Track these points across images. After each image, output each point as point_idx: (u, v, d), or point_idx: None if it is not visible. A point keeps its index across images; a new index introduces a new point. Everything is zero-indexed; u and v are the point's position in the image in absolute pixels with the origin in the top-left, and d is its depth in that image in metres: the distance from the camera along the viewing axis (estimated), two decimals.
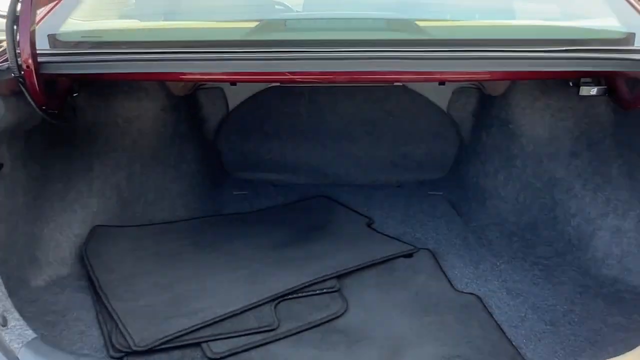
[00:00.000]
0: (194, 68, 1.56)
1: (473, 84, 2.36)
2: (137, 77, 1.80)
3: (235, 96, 2.50)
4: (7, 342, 1.08)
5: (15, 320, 1.14)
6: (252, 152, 2.61)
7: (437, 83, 2.35)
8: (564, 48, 1.47)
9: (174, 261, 1.87)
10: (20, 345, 1.10)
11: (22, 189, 1.73)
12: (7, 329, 1.11)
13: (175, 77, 1.71)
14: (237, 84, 2.37)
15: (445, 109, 2.51)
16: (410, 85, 2.42)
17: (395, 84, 2.38)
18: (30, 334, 1.14)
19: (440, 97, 2.48)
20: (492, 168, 2.28)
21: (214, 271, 1.80)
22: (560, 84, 1.99)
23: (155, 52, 1.54)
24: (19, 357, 1.06)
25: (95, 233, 1.94)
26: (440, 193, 2.48)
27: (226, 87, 2.44)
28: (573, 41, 1.58)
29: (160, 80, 2.05)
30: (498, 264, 1.92)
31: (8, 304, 1.15)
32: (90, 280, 1.76)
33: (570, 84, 1.72)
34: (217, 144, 2.59)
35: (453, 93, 2.45)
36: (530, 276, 1.84)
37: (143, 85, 2.08)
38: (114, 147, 2.06)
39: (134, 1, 2.08)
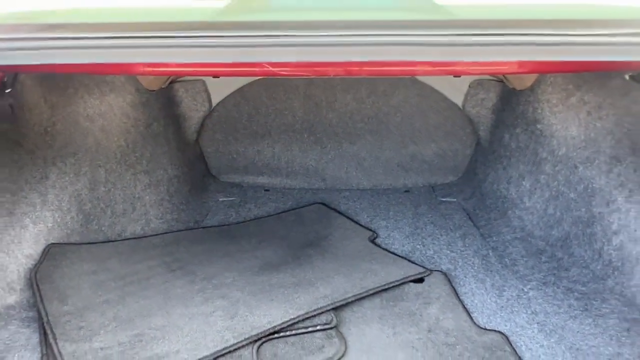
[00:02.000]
0: (150, 57, 1.24)
1: (494, 76, 2.04)
2: (80, 70, 1.49)
3: (219, 89, 2.19)
4: None
5: None
6: (239, 153, 2.31)
7: (451, 75, 2.03)
8: (620, 32, 1.16)
9: (140, 288, 1.58)
10: None
11: None
12: None
13: (125, 69, 1.40)
14: (220, 76, 2.06)
15: (460, 105, 2.20)
16: (420, 77, 2.11)
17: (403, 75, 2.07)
18: None
19: (455, 91, 2.16)
20: (516, 173, 1.97)
21: (186, 302, 1.51)
22: (597, 75, 1.68)
23: (102, 36, 1.23)
24: None
25: (49, 253, 1.64)
26: (454, 200, 2.18)
27: (208, 79, 2.13)
28: (626, 22, 1.26)
29: (110, 74, 1.73)
30: (525, 290, 1.62)
31: None
32: (38, 313, 1.47)
33: (626, 77, 1.40)
34: (199, 144, 2.28)
35: (470, 86, 2.13)
36: (565, 307, 1.54)
37: (107, 77, 1.77)
38: (74, 150, 1.76)
39: None
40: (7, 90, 1.36)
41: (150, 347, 1.32)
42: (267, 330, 1.37)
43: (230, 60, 1.16)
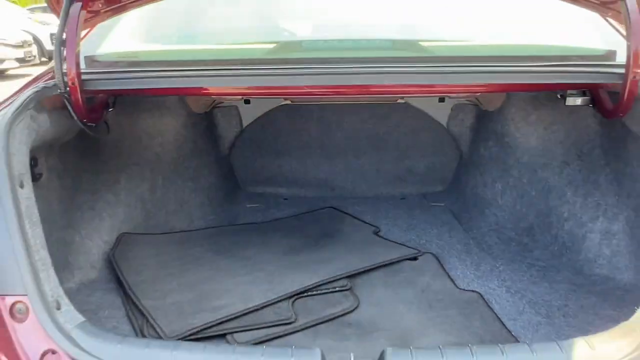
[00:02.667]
0: (215, 83, 1.73)
1: (470, 101, 2.53)
2: (165, 92, 1.96)
3: (249, 114, 2.67)
4: (62, 322, 1.22)
5: (66, 305, 1.28)
6: (264, 167, 2.77)
7: (437, 100, 2.52)
8: (552, 63, 1.64)
9: (195, 265, 2.01)
10: (72, 325, 1.23)
11: (56, 198, 1.87)
12: (61, 312, 1.25)
13: (197, 91, 1.88)
14: (251, 102, 2.54)
15: (445, 125, 2.68)
16: (412, 102, 2.59)
17: (398, 101, 2.55)
18: (79, 317, 1.28)
19: (440, 113, 2.64)
20: (490, 178, 2.43)
21: (233, 273, 1.94)
22: (550, 99, 2.16)
23: (181, 69, 1.71)
24: (72, 336, 1.20)
25: (122, 240, 2.08)
26: (442, 204, 2.63)
27: (240, 105, 2.61)
28: (561, 57, 1.76)
29: (185, 95, 2.21)
30: (497, 265, 2.06)
31: (60, 291, 1.28)
32: (119, 282, 1.89)
33: (558, 96, 1.88)
34: (231, 159, 2.75)
35: (452, 109, 2.62)
36: (527, 276, 1.97)
37: (165, 103, 2.25)
38: (138, 160, 2.22)
39: (160, 26, 2.27)
40: (109, 110, 1.83)
41: (210, 302, 1.75)
42: (298, 290, 1.80)
43: (277, 84, 1.64)
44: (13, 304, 1.20)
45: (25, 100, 1.41)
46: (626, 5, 1.47)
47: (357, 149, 2.76)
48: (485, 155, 2.47)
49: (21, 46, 11.61)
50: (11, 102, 1.45)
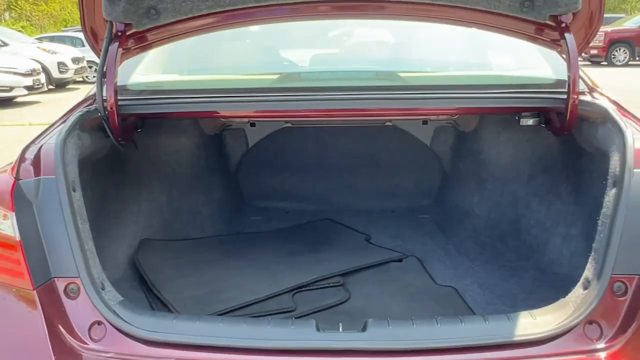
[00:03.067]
0: (226, 108, 2.06)
1: (449, 123, 2.85)
2: (184, 115, 2.28)
3: (254, 136, 2.99)
4: (106, 300, 1.50)
5: (108, 287, 1.56)
6: (267, 184, 3.08)
7: (421, 122, 2.84)
8: (509, 91, 1.97)
9: (207, 266, 2.30)
10: (114, 303, 1.52)
11: (88, 207, 2.17)
12: (105, 291, 1.53)
13: (211, 114, 2.21)
14: (256, 125, 2.86)
15: (429, 145, 3.00)
16: (399, 124, 2.91)
17: (387, 123, 2.87)
18: (119, 297, 1.56)
19: (424, 135, 2.96)
20: (469, 192, 2.73)
21: (241, 272, 2.23)
22: (518, 122, 2.48)
23: (198, 96, 2.04)
24: (115, 310, 1.48)
25: (144, 244, 2.37)
26: (428, 216, 2.92)
27: (247, 128, 2.93)
28: (517, 85, 2.08)
29: (200, 118, 2.53)
30: (472, 266, 2.35)
31: (104, 275, 1.57)
32: (141, 280, 2.18)
33: (517, 117, 2.20)
34: (238, 176, 3.06)
35: (434, 131, 2.94)
36: (498, 275, 2.26)
37: (182, 126, 2.56)
38: (157, 175, 2.53)
39: (179, 59, 2.61)
40: (138, 130, 2.15)
41: (221, 295, 2.03)
42: (297, 285, 2.09)
43: (280, 109, 1.96)
44: (67, 285, 1.49)
45: (74, 121, 1.72)
46: (567, 43, 1.79)
47: (351, 167, 3.07)
48: (464, 171, 2.78)
49: (30, 74, 12.02)
50: (62, 122, 1.76)
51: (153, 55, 2.32)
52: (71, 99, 12.79)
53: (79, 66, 15.50)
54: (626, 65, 20.61)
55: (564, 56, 1.89)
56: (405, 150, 3.01)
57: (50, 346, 1.40)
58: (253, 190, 3.07)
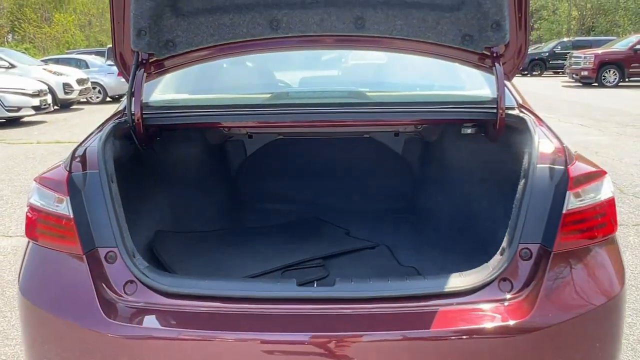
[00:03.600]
0: (228, 120, 2.54)
1: (417, 135, 3.34)
2: (196, 126, 2.76)
3: (252, 146, 3.47)
4: (137, 264, 1.95)
5: (138, 255, 2.01)
6: (262, 187, 3.55)
7: (393, 134, 3.32)
8: (453, 106, 2.45)
9: (212, 253, 2.75)
10: (143, 267, 1.97)
11: None
12: (135, 258, 1.98)
13: (216, 125, 2.71)
14: (253, 137, 3.34)
15: (400, 154, 3.48)
16: (375, 137, 3.40)
17: (365, 135, 3.36)
18: (145, 263, 2.01)
19: (397, 145, 3.44)
20: (434, 193, 3.21)
21: (240, 256, 2.69)
22: (471, 134, 2.96)
23: (206, 111, 2.52)
24: (143, 272, 1.93)
25: (159, 235, 2.83)
26: (402, 216, 3.39)
27: (245, 139, 3.41)
28: (459, 102, 2.57)
29: (207, 129, 3.01)
30: (433, 254, 2.80)
31: (134, 247, 2.02)
32: (158, 263, 2.63)
33: (460, 127, 2.69)
34: (237, 180, 3.53)
35: (405, 142, 3.42)
36: (454, 259, 2.72)
37: (191, 136, 3.04)
38: (170, 178, 3.00)
39: (192, 81, 3.11)
40: (157, 139, 2.63)
41: (224, 272, 2.49)
42: (286, 265, 2.55)
43: (272, 121, 2.45)
44: (107, 252, 1.94)
45: (110, 130, 2.20)
46: (496, 70, 2.28)
47: (335, 173, 3.54)
48: (430, 176, 3.25)
49: (37, 95, 12.52)
50: (100, 131, 2.24)
51: (169, 78, 2.81)
52: (76, 119, 13.32)
53: (84, 87, 16.05)
54: (616, 86, 21.21)
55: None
56: (381, 159, 3.48)
57: (95, 297, 1.85)
58: (250, 193, 3.54)
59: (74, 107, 16.44)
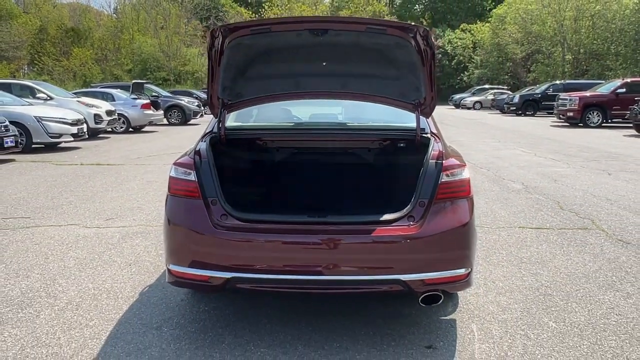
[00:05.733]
0: (269, 136, 4.13)
1: (381, 148, 4.85)
2: (251, 139, 4.34)
3: (279, 155, 4.93)
4: (226, 206, 3.43)
5: (227, 203, 3.49)
6: (285, 179, 5.05)
7: (367, 150, 4.83)
8: (395, 131, 4.03)
9: (262, 202, 4.26)
10: (229, 208, 3.43)
11: None
12: (225, 204, 3.43)
13: (262, 139, 4.28)
14: (279, 150, 4.85)
15: (372, 162, 4.99)
16: (355, 151, 4.86)
17: (349, 151, 4.87)
18: (229, 206, 3.48)
19: (370, 157, 4.94)
20: (386, 178, 4.69)
21: (279, 202, 4.20)
22: (403, 146, 4.44)
23: (257, 132, 4.10)
24: (230, 210, 3.40)
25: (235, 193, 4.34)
26: (368, 192, 4.81)
27: (274, 151, 4.90)
28: (396, 129, 4.13)
29: (257, 141, 4.53)
30: (378, 206, 4.30)
31: (223, 197, 3.50)
32: (236, 205, 4.13)
33: (398, 144, 4.23)
34: (272, 172, 5.06)
35: (374, 154, 4.90)
36: (390, 209, 4.22)
37: (248, 145, 4.52)
38: (237, 165, 4.49)
39: (250, 116, 4.70)
40: (231, 145, 4.19)
41: (271, 209, 4.00)
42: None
43: (291, 137, 4.05)
44: (212, 200, 3.36)
45: (209, 139, 3.75)
46: (417, 113, 3.84)
47: (329, 172, 4.91)
48: (384, 170, 4.72)
49: (76, 124, 14.21)
50: (203, 141, 3.77)
51: (236, 113, 4.38)
52: (106, 147, 15.07)
53: (111, 118, 17.78)
54: (599, 126, 22.78)
55: (421, 117, 3.93)
56: (358, 164, 4.99)
57: (208, 219, 3.30)
58: (277, 181, 5.04)
59: (100, 135, 18.13)
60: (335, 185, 4.81)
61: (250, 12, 63.21)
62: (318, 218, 3.36)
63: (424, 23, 67.82)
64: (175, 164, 3.54)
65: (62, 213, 6.96)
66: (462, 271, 3.25)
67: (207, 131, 4.02)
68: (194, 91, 35.03)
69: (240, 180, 4.46)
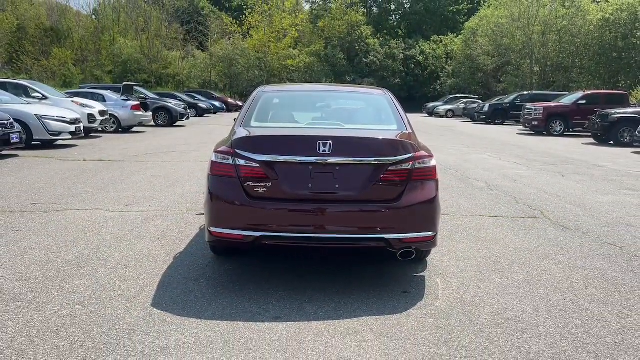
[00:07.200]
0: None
1: None
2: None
3: None
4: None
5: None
6: None
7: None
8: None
9: None
10: None
11: None
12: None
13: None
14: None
15: None
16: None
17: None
18: None
19: None
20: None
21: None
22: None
23: (270, 126, 5.19)
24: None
25: None
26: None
27: None
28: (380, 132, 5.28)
29: None
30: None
31: None
32: None
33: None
34: None
35: None
36: None
37: None
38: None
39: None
40: None
41: None
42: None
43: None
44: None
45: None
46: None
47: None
48: None
49: (74, 123, 15.00)
50: (234, 135, 4.84)
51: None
52: (102, 145, 15.95)
53: (104, 118, 18.57)
54: (561, 135, 24.48)
55: (401, 119, 5.07)
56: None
57: (244, 193, 4.33)
58: None
59: (92, 134, 18.89)
60: None
61: (231, 19, 63.97)
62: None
63: (399, 33, 69.72)
64: (215, 151, 4.59)
65: (84, 200, 7.90)
66: (430, 233, 4.38)
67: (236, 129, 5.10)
68: (179, 94, 35.80)
69: None
